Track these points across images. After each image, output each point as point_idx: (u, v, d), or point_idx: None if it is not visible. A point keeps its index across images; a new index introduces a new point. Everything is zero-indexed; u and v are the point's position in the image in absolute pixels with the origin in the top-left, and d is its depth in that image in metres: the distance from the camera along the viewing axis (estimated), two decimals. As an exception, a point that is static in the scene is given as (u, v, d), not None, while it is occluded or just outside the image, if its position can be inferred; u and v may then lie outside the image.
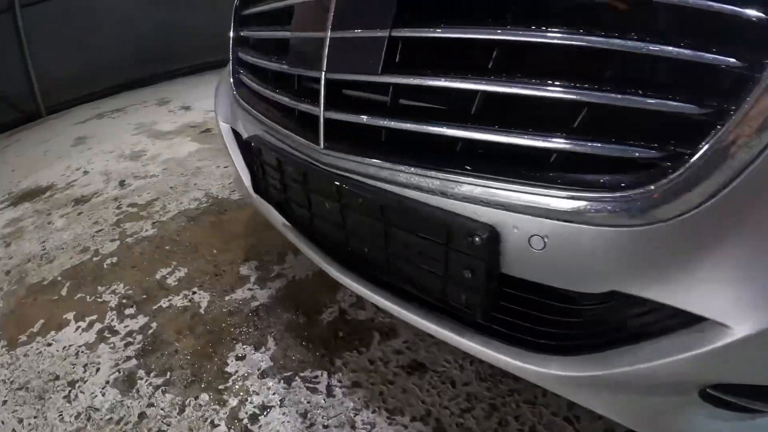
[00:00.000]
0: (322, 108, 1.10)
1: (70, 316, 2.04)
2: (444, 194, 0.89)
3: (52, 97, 5.08)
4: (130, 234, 2.59)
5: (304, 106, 1.18)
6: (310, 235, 1.38)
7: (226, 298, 2.00)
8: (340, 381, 1.59)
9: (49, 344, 1.90)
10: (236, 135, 1.72)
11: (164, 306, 2.01)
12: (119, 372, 1.71)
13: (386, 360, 1.65)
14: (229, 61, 1.74)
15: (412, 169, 0.93)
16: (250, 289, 2.04)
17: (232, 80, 1.63)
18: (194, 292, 2.06)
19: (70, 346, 1.88)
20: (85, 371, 1.74)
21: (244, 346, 1.76)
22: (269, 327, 1.83)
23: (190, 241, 2.44)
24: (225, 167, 3.20)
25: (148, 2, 5.59)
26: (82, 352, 1.84)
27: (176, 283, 2.14)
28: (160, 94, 5.29)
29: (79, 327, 1.97)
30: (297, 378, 1.62)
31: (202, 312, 1.94)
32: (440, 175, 0.89)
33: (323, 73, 1.08)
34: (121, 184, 3.21)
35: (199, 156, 3.45)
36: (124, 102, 5.17)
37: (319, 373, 1.63)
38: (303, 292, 1.99)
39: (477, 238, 0.83)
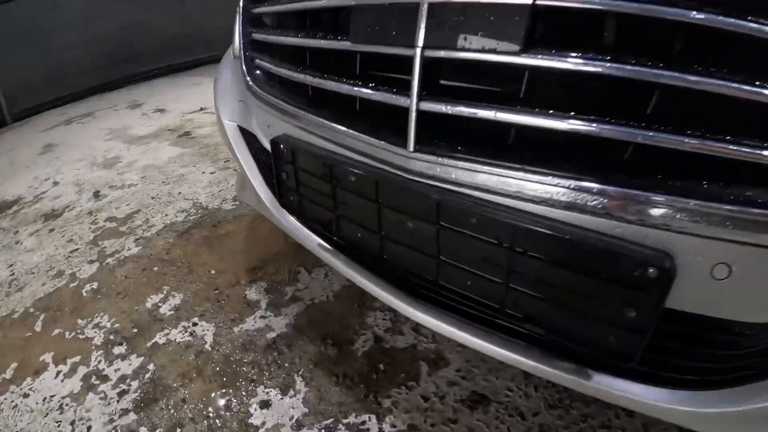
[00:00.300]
0: (415, 97, 0.80)
1: (47, 357, 1.68)
2: (610, 215, 0.69)
3: (17, 104, 4.62)
4: (110, 253, 2.22)
5: (384, 96, 0.86)
6: (369, 263, 1.06)
7: (235, 329, 1.66)
8: (393, 425, 1.30)
9: (26, 395, 1.54)
10: (245, 135, 1.38)
11: (161, 342, 1.66)
12: (116, 431, 1.36)
13: (442, 394, 1.37)
14: (235, 45, 1.39)
15: (567, 182, 0.71)
16: (262, 317, 1.70)
17: (244, 67, 1.29)
18: (195, 324, 1.71)
19: (51, 397, 1.52)
20: (73, 430, 1.39)
21: (268, 390, 1.43)
22: (294, 363, 1.50)
23: (181, 261, 2.08)
24: (211, 173, 2.85)
25: (111, 3, 5.15)
26: (67, 404, 1.48)
27: (172, 312, 1.79)
28: (131, 97, 4.87)
29: (59, 372, 1.61)
30: (340, 426, 1.31)
31: (209, 348, 1.60)
32: (606, 190, 0.68)
33: (418, 49, 0.78)
34: (96, 195, 2.83)
35: (181, 162, 3.08)
36: (94, 106, 4.74)
37: (366, 417, 1.32)
38: (327, 317, 1.67)
39: (652, 269, 0.67)
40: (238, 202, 2.46)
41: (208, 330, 1.67)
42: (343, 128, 0.95)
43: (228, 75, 1.50)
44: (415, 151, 0.83)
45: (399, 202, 0.89)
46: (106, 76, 5.22)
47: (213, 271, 1.97)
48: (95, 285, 2.02)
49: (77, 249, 2.31)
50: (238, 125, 1.42)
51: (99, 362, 1.62)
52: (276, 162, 1.13)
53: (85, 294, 1.97)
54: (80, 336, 1.75)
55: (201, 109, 4.02)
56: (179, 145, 3.36)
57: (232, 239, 2.18)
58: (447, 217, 0.83)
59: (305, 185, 1.08)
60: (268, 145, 1.21)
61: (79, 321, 1.82)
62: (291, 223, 1.25)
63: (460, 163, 0.80)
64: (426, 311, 0.96)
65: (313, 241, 1.20)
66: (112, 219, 2.53)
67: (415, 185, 0.85)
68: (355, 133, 0.93)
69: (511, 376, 1.40)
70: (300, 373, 1.47)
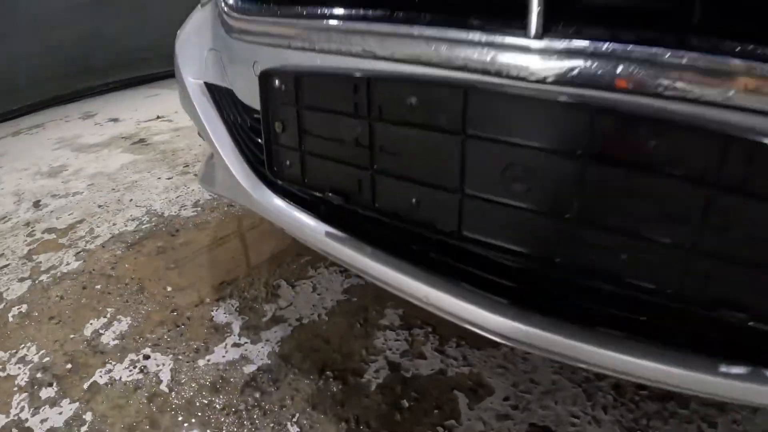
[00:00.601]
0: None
1: (-44, 403, 1.18)
2: None
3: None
4: (45, 269, 1.72)
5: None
6: (428, 251, 0.62)
7: (201, 362, 1.19)
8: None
9: None
10: (215, 96, 0.94)
11: (101, 382, 1.19)
12: None
13: (494, 433, 0.95)
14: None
15: None
16: (236, 345, 1.24)
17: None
18: (146, 356, 1.24)
19: (-48, 460, 1.04)
20: None
21: (250, 449, 0.97)
22: (285, 406, 1.05)
23: (131, 276, 1.60)
24: (168, 179, 2.37)
25: (67, 11, 4.61)
26: (-27, 471, 1.01)
27: (116, 341, 1.31)
28: (84, 108, 4.33)
29: (-31, 423, 1.12)
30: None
31: (166, 389, 1.13)
32: None
33: None
34: (36, 205, 2.32)
35: (134, 168, 2.59)
36: (44, 118, 4.18)
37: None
38: (322, 341, 1.23)
39: None
40: (199, 208, 1.99)
41: (163, 364, 1.20)
42: (397, 28, 0.52)
43: (194, 24, 1.10)
44: (541, 37, 0.45)
45: (507, 129, 0.48)
46: (60, 88, 4.65)
47: (169, 288, 1.50)
48: (24, 308, 1.52)
49: (8, 265, 1.80)
50: (205, 83, 0.98)
51: (22, 409, 1.15)
52: (267, 107, 0.70)
53: (11, 319, 1.48)
54: (0, 374, 1.25)
55: (158, 117, 3.53)
56: (133, 152, 2.87)
57: (193, 250, 1.71)
58: (608, 147, 0.45)
59: (314, 134, 0.65)
60: (250, 97, 0.78)
61: (1, 354, 1.33)
62: (279, 207, 0.82)
63: (637, 50, 0.42)
64: (574, 335, 0.53)
65: (315, 230, 0.76)
66: (52, 230, 2.02)
67: (542, 97, 0.46)
68: (422, 29, 0.50)
69: (572, 398, 1.03)
70: (295, 419, 1.02)
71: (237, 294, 1.43)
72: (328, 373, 1.12)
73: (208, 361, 1.20)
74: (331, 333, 1.25)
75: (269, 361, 1.17)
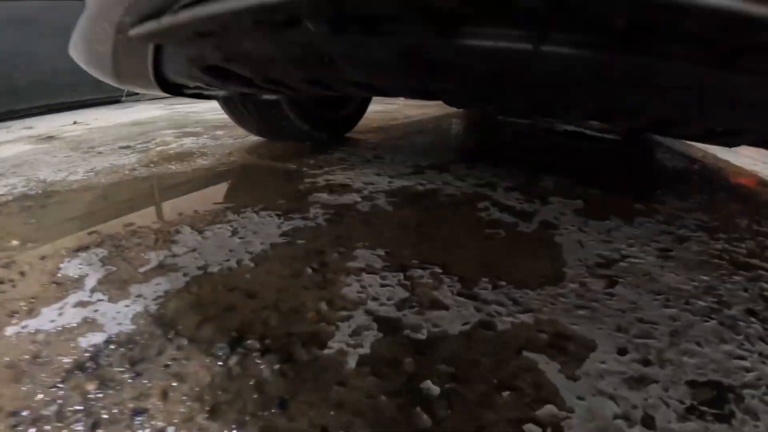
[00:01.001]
0: None
1: None
2: None
3: None
4: None
5: None
6: None
7: (8, 331, 0.61)
8: None
9: None
10: None
11: None
12: None
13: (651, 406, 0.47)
14: None
15: None
16: (80, 304, 0.65)
17: None
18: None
19: None
20: None
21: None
22: (144, 411, 0.48)
23: (-28, 236, 0.97)
24: (66, 156, 1.77)
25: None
26: None
27: None
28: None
29: None
30: None
31: None
32: None
33: None
34: None
35: (32, 153, 1.96)
36: (-50, 134, 3.45)
37: None
38: (243, 295, 0.64)
39: None
40: (92, 173, 1.39)
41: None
42: None
43: None
44: None
45: None
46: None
47: (14, 242, 0.89)
48: None
49: None
50: None
51: None
52: None
53: None
54: None
55: (75, 122, 2.90)
56: (37, 144, 2.23)
57: (68, 206, 1.11)
58: None
59: None
60: None
61: None
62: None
63: None
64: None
65: None
66: None
67: None
68: None
69: (715, 335, 0.57)
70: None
71: (110, 242, 0.83)
72: (249, 342, 0.54)
73: (23, 328, 0.60)
74: (260, 284, 0.68)
75: (133, 327, 0.59)
